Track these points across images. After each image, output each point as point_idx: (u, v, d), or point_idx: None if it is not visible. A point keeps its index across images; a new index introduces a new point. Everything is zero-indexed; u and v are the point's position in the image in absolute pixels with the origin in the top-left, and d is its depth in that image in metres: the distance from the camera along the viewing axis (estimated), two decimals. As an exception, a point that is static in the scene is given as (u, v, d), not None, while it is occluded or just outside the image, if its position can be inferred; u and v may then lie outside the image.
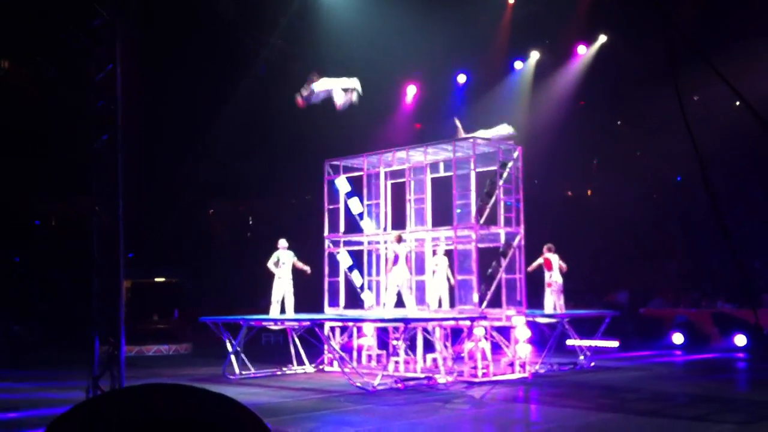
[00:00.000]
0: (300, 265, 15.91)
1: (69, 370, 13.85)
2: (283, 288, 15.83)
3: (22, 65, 22.54)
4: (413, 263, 16.13)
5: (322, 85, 14.31)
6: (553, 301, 16.30)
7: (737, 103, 22.33)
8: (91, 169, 10.96)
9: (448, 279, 15.88)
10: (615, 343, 16.61)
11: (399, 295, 15.55)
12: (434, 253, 16.28)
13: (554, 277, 16.14)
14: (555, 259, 16.17)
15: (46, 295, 23.09)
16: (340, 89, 14.29)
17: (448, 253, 16.05)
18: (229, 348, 14.98)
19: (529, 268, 15.88)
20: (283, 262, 15.85)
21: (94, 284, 10.75)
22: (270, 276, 15.99)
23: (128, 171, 11.08)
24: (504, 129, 15.67)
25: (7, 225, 23.26)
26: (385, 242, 16.64)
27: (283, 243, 16.00)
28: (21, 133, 22.11)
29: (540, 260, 16.18)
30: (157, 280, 22.15)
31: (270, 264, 15.85)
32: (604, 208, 26.70)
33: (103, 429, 3.55)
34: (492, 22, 24.08)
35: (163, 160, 24.31)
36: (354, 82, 14.33)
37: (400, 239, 15.28)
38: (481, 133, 15.54)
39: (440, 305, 15.99)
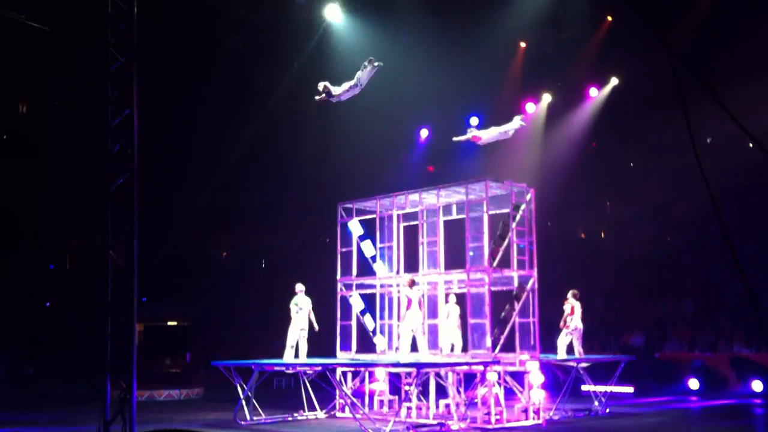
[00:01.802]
0: (312, 319, 15.82)
1: (81, 413, 13.80)
2: (297, 333, 15.72)
3: (39, 106, 22.90)
4: (425, 307, 16.05)
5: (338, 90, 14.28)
6: (566, 344, 16.14)
7: (750, 144, 22.38)
8: (106, 211, 11.03)
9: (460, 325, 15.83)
10: (630, 389, 16.40)
11: (413, 339, 15.46)
12: (446, 299, 16.21)
13: (576, 322, 16.03)
14: (578, 306, 16.09)
15: (59, 336, 23.10)
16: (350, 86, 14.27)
17: (460, 297, 15.99)
18: (240, 393, 14.88)
19: (562, 324, 16.00)
20: (300, 307, 15.75)
21: (108, 327, 10.75)
22: (285, 318, 15.93)
23: (142, 212, 11.15)
24: (516, 122, 15.57)
25: (20, 265, 23.39)
26: (398, 285, 16.59)
27: (300, 287, 15.93)
28: (40, 171, 22.35)
29: (566, 308, 16.11)
30: (169, 323, 22.13)
31: (292, 308, 15.76)
32: (618, 247, 26.59)
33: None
34: (504, 64, 24.34)
35: (175, 201, 24.43)
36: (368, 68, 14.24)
37: (413, 284, 15.20)
38: (493, 129, 15.53)
39: (452, 351, 15.88)
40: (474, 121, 14.88)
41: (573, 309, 16.07)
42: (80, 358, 20.45)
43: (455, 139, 15.63)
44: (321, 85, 13.97)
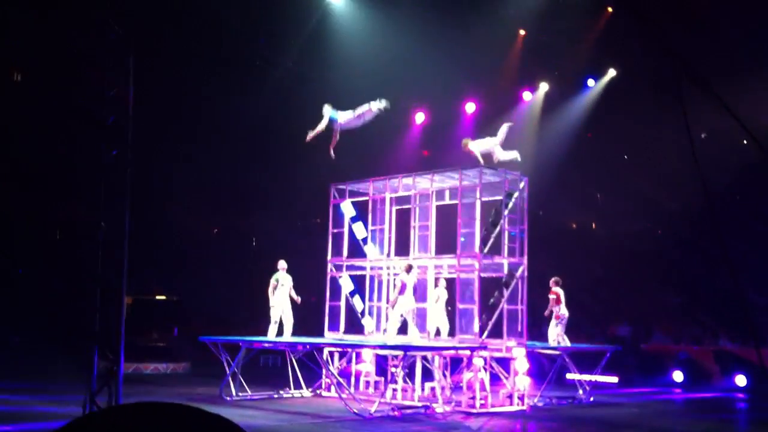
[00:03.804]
0: (293, 294, 15.91)
1: (67, 384, 13.81)
2: (280, 309, 15.82)
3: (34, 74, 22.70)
4: (416, 291, 16.10)
5: (344, 117, 14.44)
6: (556, 333, 16.25)
7: (744, 141, 22.44)
8: (98, 183, 10.99)
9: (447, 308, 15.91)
10: (614, 379, 16.54)
11: (402, 322, 15.53)
12: (436, 284, 16.26)
13: (563, 311, 16.13)
14: (562, 293, 16.17)
15: (47, 306, 23.05)
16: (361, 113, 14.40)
17: (450, 282, 16.05)
18: (227, 369, 14.92)
19: (546, 313, 16.02)
20: (282, 284, 15.86)
21: (97, 299, 10.74)
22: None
23: (133, 187, 11.12)
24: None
25: (9, 235, 23.29)
26: (388, 268, 16.63)
27: (282, 264, 16.02)
28: (30, 145, 22.20)
29: (552, 296, 16.16)
30: (158, 297, 22.11)
31: (270, 289, 15.85)
32: (608, 239, 26.68)
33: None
34: (502, 52, 24.24)
35: (167, 175, 24.35)
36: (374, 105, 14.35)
37: (410, 269, 15.23)
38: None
39: (438, 334, 15.96)
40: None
41: (559, 297, 16.14)
42: (67, 330, 20.43)
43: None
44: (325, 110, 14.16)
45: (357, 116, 14.46)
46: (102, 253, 10.87)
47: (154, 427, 3.79)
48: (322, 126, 14.64)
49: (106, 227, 10.98)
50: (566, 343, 16.23)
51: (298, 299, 15.94)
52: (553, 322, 16.20)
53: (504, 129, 15.51)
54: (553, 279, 16.32)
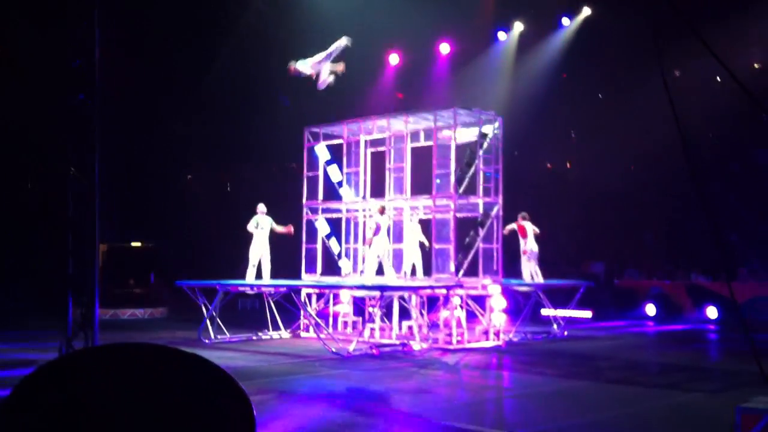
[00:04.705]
0: (280, 228, 15.96)
1: (44, 331, 13.82)
2: (259, 252, 15.88)
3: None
4: (391, 232, 16.18)
5: (305, 67, 14.13)
6: (529, 269, 16.44)
7: (717, 78, 22.46)
8: (66, 128, 10.83)
9: (422, 246, 15.95)
10: (588, 314, 16.81)
11: (378, 264, 15.63)
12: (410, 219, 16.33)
13: (529, 245, 16.29)
14: (529, 227, 16.28)
15: (23, 256, 22.89)
16: (326, 68, 14.12)
17: (425, 223, 16.12)
18: (205, 313, 14.98)
19: (505, 231, 15.88)
20: (261, 227, 15.88)
21: (69, 245, 10.68)
22: (248, 240, 16.01)
23: (105, 133, 10.97)
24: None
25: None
26: (364, 210, 16.65)
27: (261, 208, 16.02)
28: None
29: (514, 225, 16.28)
30: (133, 244, 22.00)
31: (250, 226, 15.89)
32: (583, 180, 26.81)
33: (75, 386, 3.51)
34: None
35: (141, 123, 24.04)
36: (340, 43, 14.04)
37: (383, 210, 15.31)
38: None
39: (414, 272, 16.07)
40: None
41: (523, 229, 16.20)
42: (43, 277, 20.37)
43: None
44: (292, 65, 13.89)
45: (327, 55, 14.18)
46: (72, 199, 10.78)
47: (132, 367, 3.75)
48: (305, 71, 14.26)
49: (76, 173, 10.87)
50: (539, 278, 16.44)
51: (289, 229, 16.04)
52: (522, 258, 16.36)
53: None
54: (520, 214, 16.44)
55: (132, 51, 21.05)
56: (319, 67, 14.13)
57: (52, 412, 3.24)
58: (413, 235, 16.12)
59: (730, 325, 18.29)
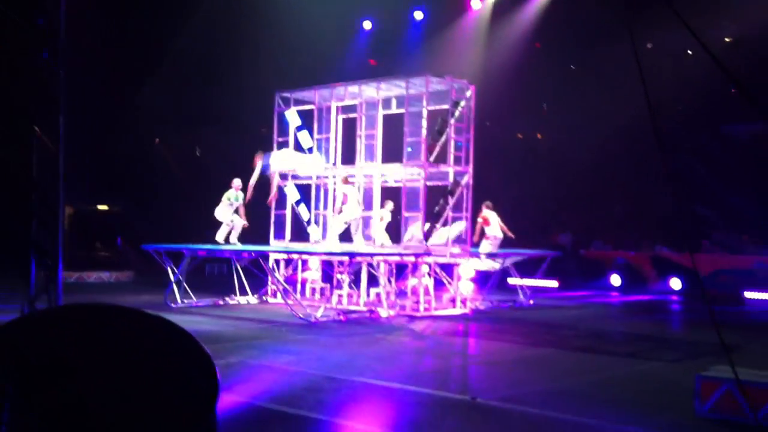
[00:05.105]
0: (241, 214, 15.76)
1: (4, 293, 13.62)
2: (230, 216, 15.68)
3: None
4: (361, 200, 16.13)
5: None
6: (488, 250, 16.31)
7: (689, 51, 22.57)
8: (30, 87, 10.58)
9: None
10: (554, 283, 17.00)
11: (346, 230, 15.61)
12: (382, 204, 16.18)
13: (494, 232, 15.96)
14: (493, 216, 16.01)
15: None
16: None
17: (396, 191, 16.10)
18: (171, 277, 14.87)
19: (475, 237, 15.76)
20: (238, 202, 15.66)
21: (34, 205, 10.49)
22: (216, 205, 15.82)
23: (71, 94, 10.72)
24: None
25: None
26: (334, 177, 16.57)
27: (237, 183, 15.74)
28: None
29: (479, 220, 16.04)
30: (100, 207, 21.72)
31: (223, 205, 15.63)
32: (553, 150, 26.93)
33: (38, 345, 3.45)
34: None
35: (109, 86, 23.62)
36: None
37: (346, 180, 15.29)
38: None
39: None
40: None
41: (486, 219, 16.02)
42: (4, 238, 20.04)
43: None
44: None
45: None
46: (36, 159, 10.57)
47: (95, 327, 3.69)
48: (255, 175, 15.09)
49: (40, 132, 10.64)
50: (492, 262, 16.19)
51: (246, 224, 15.85)
52: (485, 241, 16.07)
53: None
54: (485, 203, 16.20)
55: (99, 11, 20.59)
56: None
57: (16, 371, 3.19)
58: (383, 219, 16.01)
59: (693, 297, 18.63)
